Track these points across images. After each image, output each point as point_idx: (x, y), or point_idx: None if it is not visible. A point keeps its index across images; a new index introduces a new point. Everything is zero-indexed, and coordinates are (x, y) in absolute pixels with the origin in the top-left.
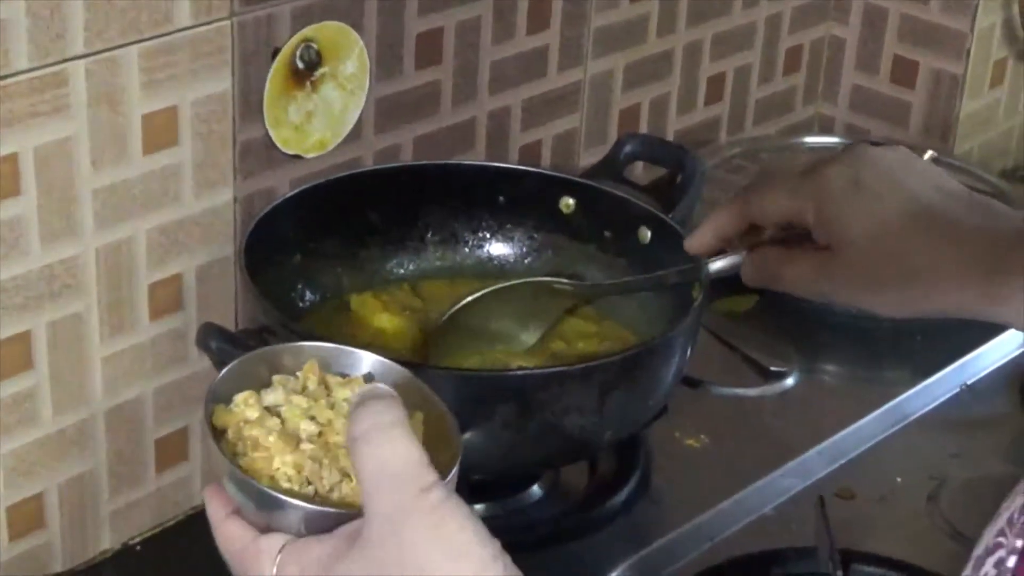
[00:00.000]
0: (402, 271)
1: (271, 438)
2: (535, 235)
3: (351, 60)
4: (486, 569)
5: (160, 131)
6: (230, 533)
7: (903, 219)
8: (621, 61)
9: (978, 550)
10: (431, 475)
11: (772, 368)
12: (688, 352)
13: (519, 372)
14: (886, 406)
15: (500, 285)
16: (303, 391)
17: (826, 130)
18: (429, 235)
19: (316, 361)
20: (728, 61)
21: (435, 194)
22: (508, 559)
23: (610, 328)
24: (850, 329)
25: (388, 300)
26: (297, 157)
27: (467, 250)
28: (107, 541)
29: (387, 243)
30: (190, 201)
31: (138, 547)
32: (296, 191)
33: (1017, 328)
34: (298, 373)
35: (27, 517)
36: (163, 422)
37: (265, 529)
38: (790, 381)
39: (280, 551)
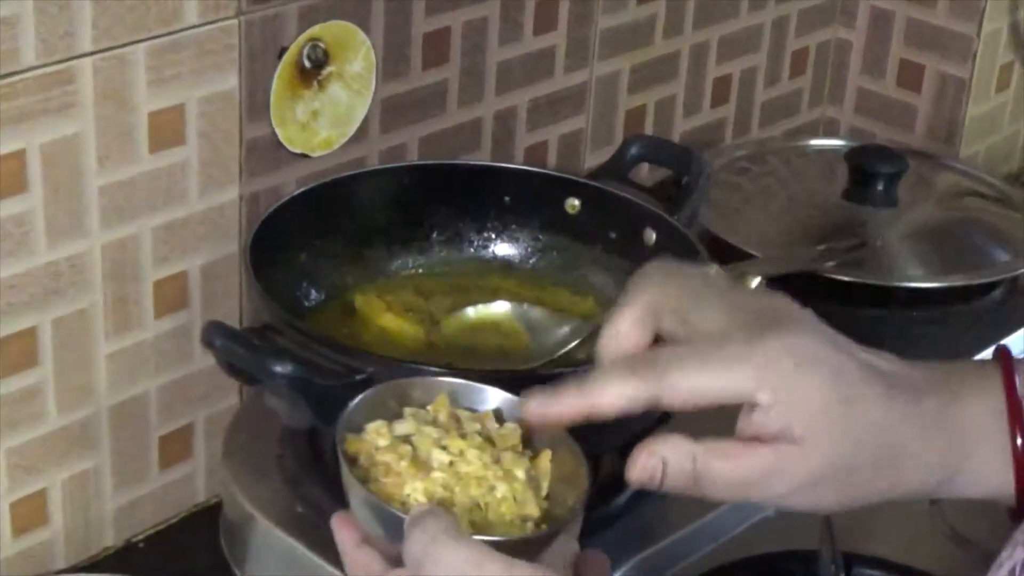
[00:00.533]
0: (407, 270)
1: (403, 463)
2: (540, 235)
3: (358, 60)
4: None
5: (167, 129)
6: (362, 561)
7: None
8: (627, 62)
9: None
10: (493, 565)
11: None
12: None
13: (522, 374)
14: None
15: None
16: (434, 423)
17: (832, 133)
18: (434, 235)
19: (446, 395)
20: (734, 63)
21: (440, 194)
22: None
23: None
24: (855, 332)
25: (392, 300)
26: (303, 156)
27: (472, 250)
28: (110, 538)
29: (392, 242)
30: (196, 199)
31: (141, 544)
32: (302, 190)
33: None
34: (428, 407)
35: (30, 513)
36: (167, 419)
37: (395, 558)
38: None
39: None
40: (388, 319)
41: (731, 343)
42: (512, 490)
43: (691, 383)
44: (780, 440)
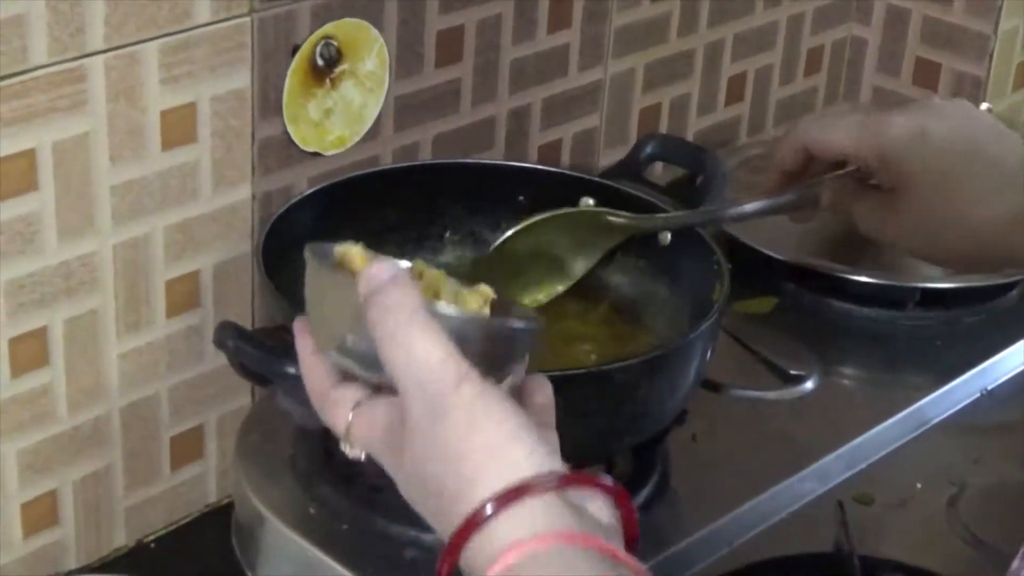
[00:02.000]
0: None
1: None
2: None
3: (371, 57)
4: (519, 467)
5: (178, 127)
6: (313, 373)
7: (965, 167)
8: (642, 60)
9: None
10: (461, 369)
11: (791, 371)
12: (708, 355)
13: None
14: (906, 411)
15: (551, 213)
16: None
17: None
18: (448, 234)
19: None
20: (749, 61)
21: (454, 193)
22: (545, 450)
23: (629, 330)
24: (870, 333)
25: None
26: (316, 154)
27: (486, 249)
28: (121, 538)
29: (405, 241)
30: (208, 198)
31: (152, 544)
32: (314, 189)
33: None
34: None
35: (41, 514)
36: (178, 419)
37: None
38: (809, 385)
39: (355, 406)
40: None
41: (856, 117)
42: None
43: (824, 134)
44: (893, 192)
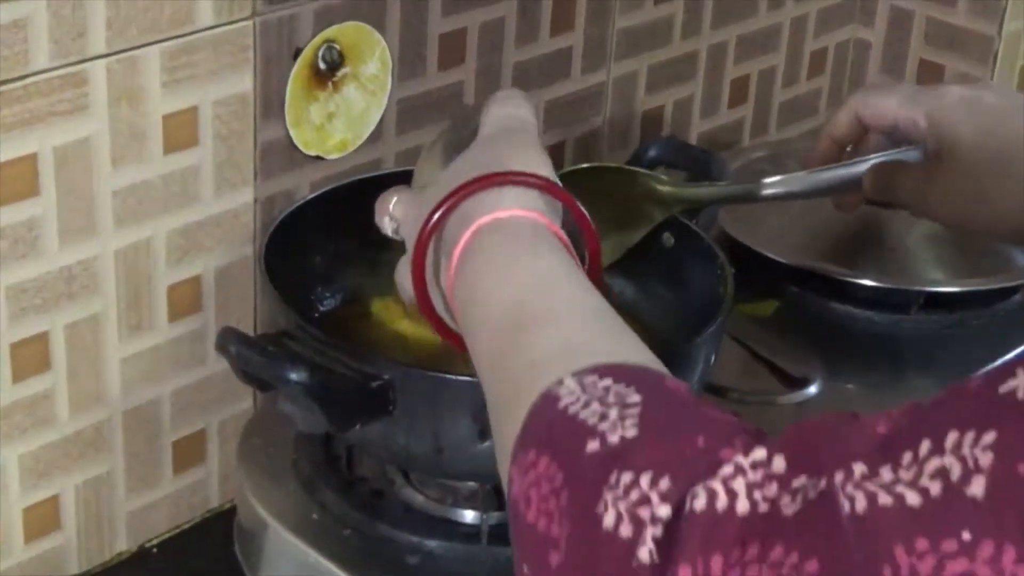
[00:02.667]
0: None
1: None
2: None
3: (373, 61)
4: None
5: (180, 131)
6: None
7: (1016, 135)
8: (645, 63)
9: None
10: (535, 128)
11: (795, 375)
12: (712, 359)
13: None
14: None
15: (597, 164)
16: None
17: None
18: None
19: None
20: (752, 63)
21: None
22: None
23: (632, 324)
24: (873, 337)
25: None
26: (318, 158)
27: None
28: (123, 543)
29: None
30: (210, 202)
31: (154, 549)
32: (317, 193)
33: None
34: None
35: (43, 519)
36: (180, 424)
37: None
38: (813, 389)
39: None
40: (405, 324)
41: (911, 88)
42: None
43: (878, 104)
44: (937, 159)
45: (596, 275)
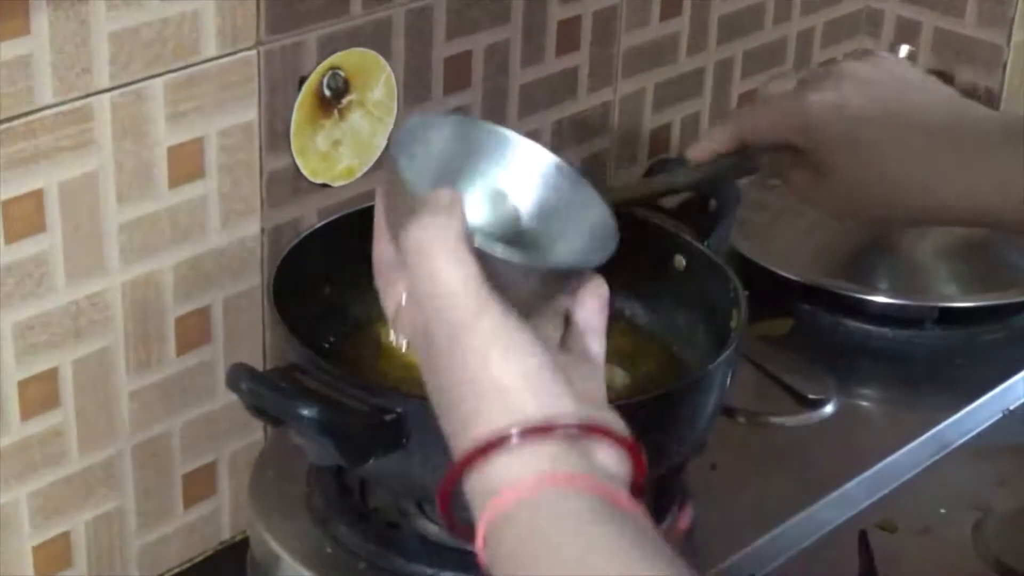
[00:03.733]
0: None
1: None
2: None
3: (378, 87)
4: (525, 410)
5: (186, 163)
6: (379, 245)
7: (884, 134)
8: (651, 81)
9: None
10: (481, 299)
11: (810, 395)
12: (727, 384)
13: None
14: (927, 434)
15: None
16: None
17: None
18: None
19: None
20: (760, 78)
21: None
22: (559, 392)
23: (646, 346)
24: (888, 353)
25: None
26: (325, 186)
27: None
28: None
29: None
30: (217, 233)
31: None
32: (324, 221)
33: (1006, 229)
34: None
35: (54, 556)
36: (191, 457)
37: None
38: (828, 409)
39: (404, 295)
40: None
41: (783, 102)
42: None
43: (754, 125)
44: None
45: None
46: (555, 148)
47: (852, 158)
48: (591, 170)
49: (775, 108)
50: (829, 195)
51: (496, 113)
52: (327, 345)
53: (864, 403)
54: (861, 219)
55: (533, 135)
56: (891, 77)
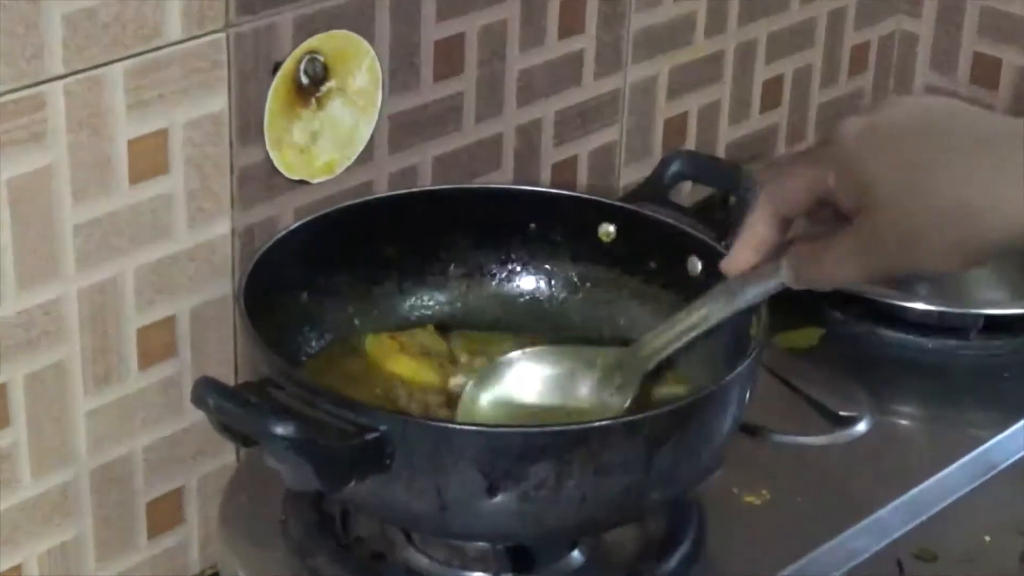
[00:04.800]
0: (422, 310)
1: None
2: (571, 267)
3: (361, 73)
4: None
5: (148, 157)
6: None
7: (927, 153)
8: (665, 66)
9: None
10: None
11: (841, 412)
12: (746, 399)
13: (553, 428)
14: (971, 455)
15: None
16: None
17: None
18: (451, 268)
19: None
20: (786, 62)
21: (458, 222)
22: None
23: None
24: (928, 366)
25: (407, 342)
26: (302, 183)
27: (495, 284)
28: None
29: (404, 278)
30: (183, 235)
31: None
32: (302, 222)
33: None
34: None
35: None
36: (155, 482)
37: None
38: (861, 427)
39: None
40: (402, 363)
41: (809, 151)
42: None
43: (786, 187)
44: (860, 214)
45: None
46: (557, 141)
47: (896, 185)
48: (599, 166)
49: (802, 160)
50: (886, 244)
51: (492, 103)
52: (304, 357)
53: (901, 421)
54: (938, 263)
55: (533, 126)
56: (930, 101)
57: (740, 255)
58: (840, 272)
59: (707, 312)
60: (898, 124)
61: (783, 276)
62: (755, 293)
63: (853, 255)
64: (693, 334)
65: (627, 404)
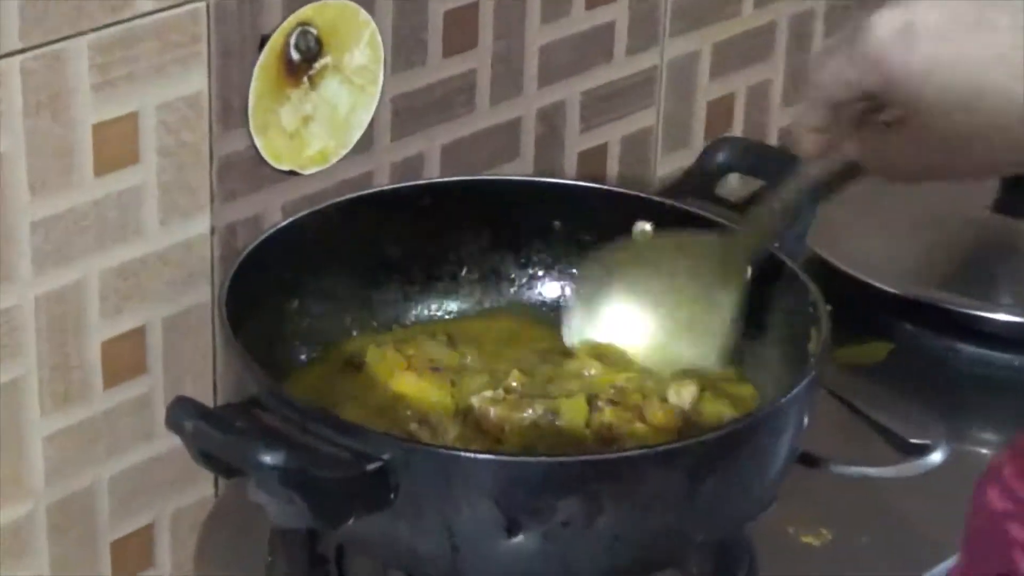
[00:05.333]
0: (429, 320)
1: None
2: None
3: (360, 48)
4: None
5: (116, 145)
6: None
7: (972, 48)
8: (708, 39)
9: None
10: None
11: (912, 440)
12: (804, 424)
13: (581, 458)
14: None
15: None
16: None
17: None
18: (463, 273)
19: None
20: None
21: (470, 219)
22: None
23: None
24: (1012, 386)
25: (414, 355)
26: (292, 174)
27: (513, 291)
28: None
29: (409, 284)
30: (155, 234)
31: None
32: (291, 219)
33: None
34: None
35: None
36: (122, 518)
37: None
38: (935, 457)
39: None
40: (409, 380)
41: (848, 39)
42: None
43: (827, 77)
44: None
45: None
46: (584, 127)
47: (933, 85)
48: (632, 155)
49: (841, 52)
50: (933, 144)
51: (509, 82)
52: (295, 374)
53: (981, 449)
54: (953, 172)
55: (556, 109)
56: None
57: (808, 139)
58: (901, 158)
59: (788, 192)
60: (938, 24)
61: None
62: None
63: (913, 146)
64: (784, 216)
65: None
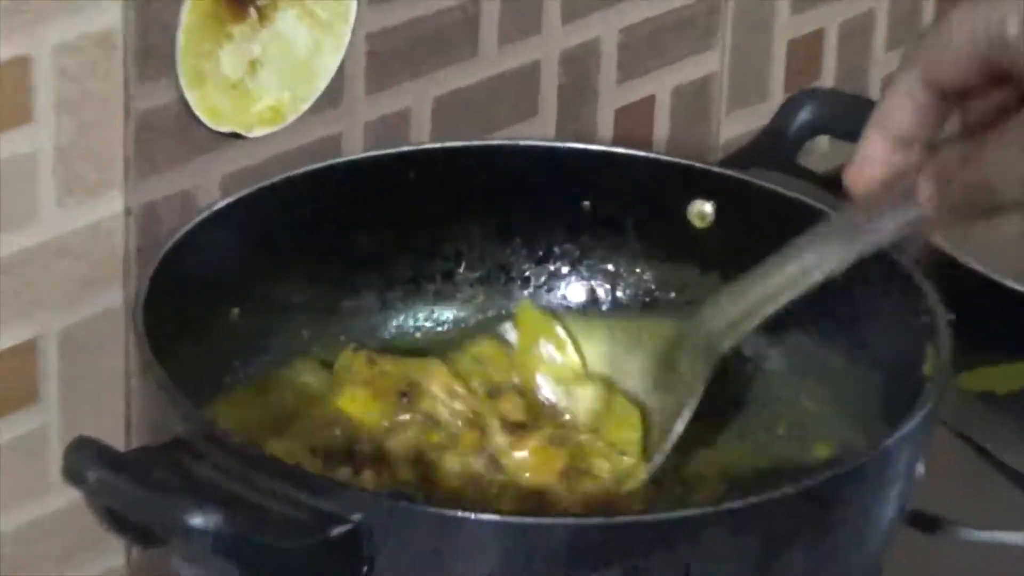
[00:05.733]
0: (416, 333)
1: None
2: (646, 267)
3: None
4: None
5: (3, 98)
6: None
7: None
8: None
9: None
10: None
11: None
12: (917, 473)
13: (619, 520)
14: None
15: None
16: None
17: None
18: (461, 269)
19: None
20: None
21: (470, 197)
22: None
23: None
24: None
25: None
26: (235, 136)
27: (527, 294)
28: None
29: (391, 283)
30: (51, 216)
31: None
32: (233, 198)
33: None
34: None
35: None
36: None
37: None
38: None
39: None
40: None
41: None
42: None
43: (942, 45)
44: None
45: None
46: (622, 76)
47: None
48: (687, 112)
49: (960, 21)
50: None
51: (523, 16)
52: (235, 406)
53: None
54: None
55: (585, 51)
56: None
57: (873, 155)
58: (1012, 171)
59: (815, 258)
60: None
61: (923, 194)
62: (886, 225)
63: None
64: (790, 294)
65: (689, 404)
